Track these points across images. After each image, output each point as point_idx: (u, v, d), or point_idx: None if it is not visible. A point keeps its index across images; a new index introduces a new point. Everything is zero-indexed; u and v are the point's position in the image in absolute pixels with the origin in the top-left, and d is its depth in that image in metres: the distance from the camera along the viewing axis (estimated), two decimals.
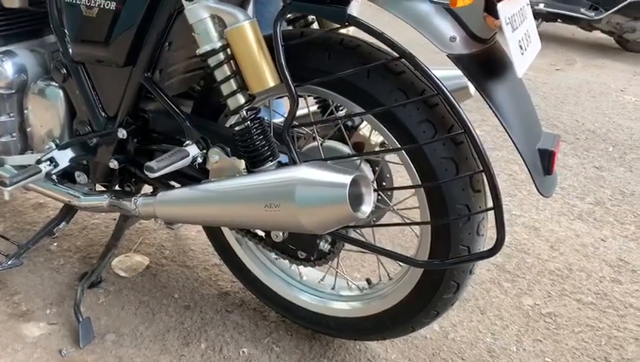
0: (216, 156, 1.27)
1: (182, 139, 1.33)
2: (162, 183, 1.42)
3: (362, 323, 1.39)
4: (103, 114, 1.42)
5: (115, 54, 1.31)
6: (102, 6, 1.27)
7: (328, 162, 1.22)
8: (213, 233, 1.56)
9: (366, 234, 1.49)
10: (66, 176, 1.54)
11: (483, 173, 1.08)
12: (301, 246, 1.34)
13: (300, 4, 1.13)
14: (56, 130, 1.49)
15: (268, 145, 1.23)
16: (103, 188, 1.54)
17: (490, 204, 1.09)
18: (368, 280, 1.46)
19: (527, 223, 2.17)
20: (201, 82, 1.51)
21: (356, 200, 1.09)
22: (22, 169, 1.44)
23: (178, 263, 1.81)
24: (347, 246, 1.32)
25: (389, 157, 1.36)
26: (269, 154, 1.23)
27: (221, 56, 1.18)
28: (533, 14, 1.27)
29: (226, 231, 1.51)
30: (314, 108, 1.49)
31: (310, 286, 1.49)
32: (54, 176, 1.50)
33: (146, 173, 1.21)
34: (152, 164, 1.20)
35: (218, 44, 1.18)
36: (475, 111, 3.22)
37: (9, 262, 1.60)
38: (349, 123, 1.44)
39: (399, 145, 1.17)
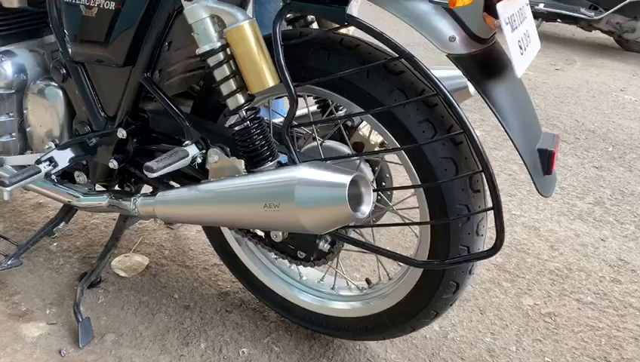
0: (215, 156, 1.27)
1: (181, 139, 1.33)
2: (162, 183, 1.42)
3: (362, 323, 1.39)
4: (102, 114, 1.42)
5: (115, 54, 1.31)
6: (101, 6, 1.27)
7: (328, 162, 1.22)
8: (213, 233, 1.56)
9: (365, 234, 1.49)
10: (66, 176, 1.54)
11: (482, 173, 1.08)
12: (301, 246, 1.34)
13: (299, 3, 1.12)
14: (55, 130, 1.49)
15: (267, 145, 1.23)
16: (102, 188, 1.53)
17: (489, 203, 1.09)
18: (368, 280, 1.46)
19: (526, 223, 2.17)
20: (200, 82, 1.52)
21: (356, 200, 1.09)
22: (21, 169, 1.44)
23: (178, 263, 1.81)
24: (347, 246, 1.32)
25: (388, 157, 1.36)
26: (268, 154, 1.23)
27: (220, 56, 1.18)
28: (533, 14, 1.27)
29: (225, 231, 1.51)
30: (313, 108, 1.49)
31: (310, 286, 1.49)
32: (54, 176, 1.50)
33: (146, 173, 1.21)
34: (152, 164, 1.20)
35: (217, 44, 1.17)
36: (474, 111, 3.22)
37: (8, 262, 1.60)
38: (349, 123, 1.44)
39: (399, 145, 1.17)
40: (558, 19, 5.17)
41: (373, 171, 1.39)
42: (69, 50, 1.37)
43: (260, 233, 1.39)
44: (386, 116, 1.16)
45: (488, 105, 1.05)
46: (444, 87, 1.05)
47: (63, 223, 1.67)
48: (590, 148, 2.98)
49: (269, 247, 1.39)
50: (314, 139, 1.36)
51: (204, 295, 1.67)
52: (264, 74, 1.16)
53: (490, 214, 1.10)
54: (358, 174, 1.08)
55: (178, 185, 1.38)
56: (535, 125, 1.20)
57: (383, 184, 1.42)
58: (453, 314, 1.65)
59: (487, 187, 1.09)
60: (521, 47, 1.09)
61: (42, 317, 1.55)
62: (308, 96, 1.42)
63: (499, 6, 1.02)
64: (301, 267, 1.47)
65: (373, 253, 1.26)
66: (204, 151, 1.30)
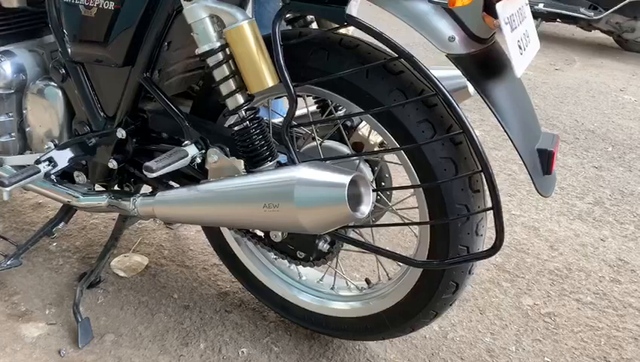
0: (215, 156, 1.27)
1: (181, 139, 1.33)
2: (161, 183, 1.42)
3: (361, 323, 1.39)
4: (101, 114, 1.42)
5: (114, 54, 1.31)
6: (100, 6, 1.27)
7: (327, 162, 1.22)
8: (212, 233, 1.56)
9: (365, 234, 1.49)
10: (65, 176, 1.54)
11: (482, 173, 1.08)
12: (300, 246, 1.34)
13: (298, 3, 1.12)
14: (55, 130, 1.49)
15: (267, 145, 1.23)
16: (101, 188, 1.53)
17: (489, 203, 1.09)
18: (367, 280, 1.46)
19: (526, 223, 2.17)
20: (200, 82, 1.51)
21: (355, 200, 1.09)
22: (21, 169, 1.44)
23: (177, 263, 1.81)
24: (346, 246, 1.32)
25: (388, 157, 1.36)
26: (267, 154, 1.23)
27: (220, 56, 1.18)
28: (533, 14, 1.27)
29: (225, 231, 1.51)
30: (313, 108, 1.49)
31: (309, 286, 1.49)
32: (53, 176, 1.50)
33: (145, 173, 1.21)
34: (151, 164, 1.20)
35: (217, 44, 1.17)
36: (474, 111, 3.22)
37: (8, 263, 1.60)
38: (348, 123, 1.44)
39: (398, 145, 1.17)
40: (558, 19, 5.17)
41: (373, 171, 1.39)
42: (69, 50, 1.37)
43: (260, 233, 1.39)
44: (385, 116, 1.16)
45: (488, 105, 1.05)
46: (443, 87, 1.05)
47: (62, 223, 1.67)
48: (590, 148, 2.98)
49: (268, 247, 1.39)
50: (313, 139, 1.36)
51: (203, 295, 1.67)
52: (263, 74, 1.15)
53: (490, 214, 1.10)
54: (357, 174, 1.08)
55: (177, 185, 1.38)
56: (535, 125, 1.19)
57: (383, 184, 1.42)
58: (452, 314, 1.65)
59: (486, 187, 1.09)
60: (520, 47, 1.09)
61: (42, 317, 1.55)
62: (307, 96, 1.42)
63: (498, 6, 1.02)
64: (300, 267, 1.47)
65: (373, 253, 1.26)
66: (203, 151, 1.29)
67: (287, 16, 1.41)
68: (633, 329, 1.65)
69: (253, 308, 1.63)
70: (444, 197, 1.15)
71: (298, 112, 1.27)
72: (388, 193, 1.42)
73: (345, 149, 1.36)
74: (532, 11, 1.22)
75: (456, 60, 1.05)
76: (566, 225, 2.19)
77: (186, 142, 1.30)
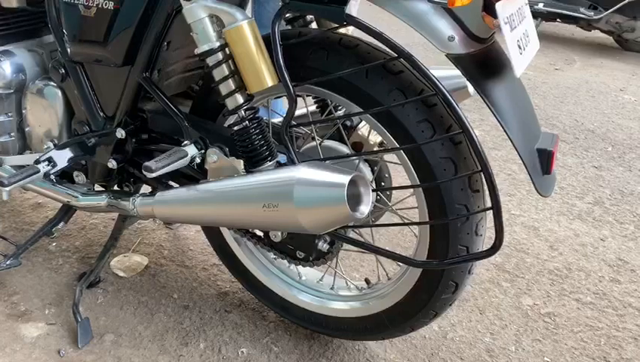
0: (214, 156, 1.27)
1: (180, 139, 1.33)
2: (161, 183, 1.42)
3: (361, 323, 1.39)
4: (101, 114, 1.42)
5: (114, 54, 1.31)
6: (100, 6, 1.27)
7: (327, 162, 1.22)
8: (212, 233, 1.55)
9: (365, 234, 1.49)
10: (65, 176, 1.54)
11: (481, 173, 1.08)
12: (300, 246, 1.34)
13: (298, 3, 1.12)
14: (54, 130, 1.49)
15: (266, 145, 1.23)
16: (101, 188, 1.53)
17: (488, 203, 1.09)
18: (367, 280, 1.46)
19: (526, 223, 2.17)
20: (199, 82, 1.51)
21: (355, 200, 1.09)
22: (20, 169, 1.44)
23: (177, 263, 1.81)
24: (346, 246, 1.32)
25: (387, 157, 1.36)
26: (267, 154, 1.23)
27: (219, 55, 1.18)
28: (532, 14, 1.27)
29: (224, 231, 1.51)
30: (312, 107, 1.49)
31: (309, 286, 1.49)
32: (53, 176, 1.50)
33: (145, 173, 1.21)
34: (151, 163, 1.20)
35: (216, 44, 1.17)
36: (474, 111, 3.22)
37: (7, 262, 1.60)
38: (348, 123, 1.44)
39: (398, 145, 1.17)
40: (558, 19, 5.17)
41: (373, 171, 1.39)
42: (68, 50, 1.37)
43: (259, 233, 1.39)
44: (385, 116, 1.16)
45: (487, 105, 1.05)
46: (443, 87, 1.05)
47: (62, 223, 1.67)
48: (589, 147, 2.98)
49: (268, 247, 1.38)
50: (313, 138, 1.35)
51: (203, 295, 1.67)
52: (263, 74, 1.15)
53: (490, 214, 1.10)
54: (357, 174, 1.08)
55: (177, 185, 1.38)
56: (534, 125, 1.19)
57: (382, 184, 1.42)
58: (452, 314, 1.65)
59: (486, 187, 1.09)
60: (520, 47, 1.09)
61: (41, 317, 1.55)
62: (307, 95, 1.42)
63: (498, 6, 1.02)
64: (300, 267, 1.47)
65: (373, 253, 1.26)
66: (202, 151, 1.29)
67: (287, 15, 1.41)
68: (633, 329, 1.65)
69: (252, 308, 1.63)
70: (444, 197, 1.15)
71: (298, 112, 1.27)
72: (387, 193, 1.42)
73: (344, 149, 1.36)
74: (532, 11, 1.23)
75: (456, 60, 1.05)
76: (566, 224, 2.19)
77: (186, 142, 1.30)
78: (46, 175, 1.44)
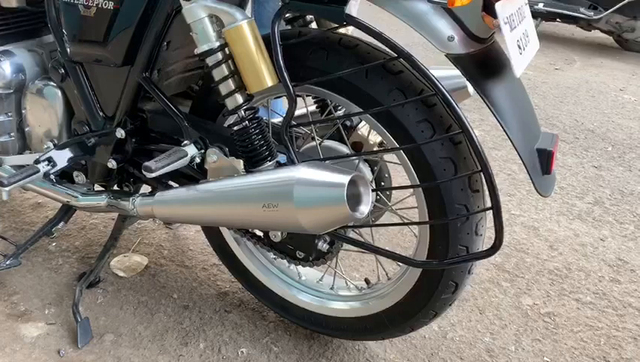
0: (214, 156, 1.27)
1: (180, 138, 1.33)
2: (160, 183, 1.42)
3: (361, 323, 1.39)
4: (101, 114, 1.42)
5: (113, 54, 1.31)
6: (100, 5, 1.27)
7: (326, 162, 1.22)
8: (212, 233, 1.55)
9: (364, 234, 1.49)
10: (65, 176, 1.54)
11: (481, 173, 1.08)
12: (299, 246, 1.34)
13: (297, 3, 1.12)
14: (54, 130, 1.49)
15: (266, 145, 1.23)
16: (101, 188, 1.53)
17: (488, 203, 1.09)
18: (367, 280, 1.46)
19: (526, 223, 2.17)
20: (199, 82, 1.51)
21: (354, 200, 1.09)
22: (20, 169, 1.44)
23: (177, 263, 1.81)
24: (346, 246, 1.32)
25: (387, 157, 1.36)
26: (267, 154, 1.23)
27: (219, 55, 1.18)
28: (532, 14, 1.27)
29: (224, 231, 1.51)
30: (312, 107, 1.49)
31: (309, 286, 1.49)
32: (52, 176, 1.50)
33: (144, 172, 1.21)
34: (151, 163, 1.20)
35: (216, 44, 1.17)
36: (473, 111, 3.22)
37: (7, 262, 1.60)
38: (348, 123, 1.44)
39: (398, 145, 1.16)
40: (558, 19, 5.17)
41: (372, 171, 1.39)
42: (68, 50, 1.37)
43: (259, 233, 1.39)
44: (384, 116, 1.16)
45: (487, 104, 1.05)
46: (442, 87, 1.05)
47: (61, 223, 1.67)
48: (589, 147, 2.98)
49: (267, 247, 1.38)
50: (313, 138, 1.35)
51: (203, 295, 1.67)
52: (263, 74, 1.15)
53: (489, 214, 1.10)
54: (356, 174, 1.08)
55: (177, 185, 1.38)
56: (534, 125, 1.19)
57: (382, 184, 1.42)
58: (452, 314, 1.65)
59: (486, 187, 1.09)
60: (520, 47, 1.09)
61: (41, 317, 1.55)
62: (307, 95, 1.42)
63: (498, 6, 1.02)
64: (300, 267, 1.47)
65: (372, 252, 1.26)
66: (202, 151, 1.29)
67: (287, 15, 1.41)
68: (633, 329, 1.65)
69: (252, 308, 1.63)
70: (444, 197, 1.15)
71: (297, 112, 1.27)
72: (387, 193, 1.42)
73: (344, 149, 1.36)
74: (532, 11, 1.23)
75: (456, 60, 1.05)
76: (566, 224, 2.19)
77: (186, 141, 1.30)
78: (46, 175, 1.44)
